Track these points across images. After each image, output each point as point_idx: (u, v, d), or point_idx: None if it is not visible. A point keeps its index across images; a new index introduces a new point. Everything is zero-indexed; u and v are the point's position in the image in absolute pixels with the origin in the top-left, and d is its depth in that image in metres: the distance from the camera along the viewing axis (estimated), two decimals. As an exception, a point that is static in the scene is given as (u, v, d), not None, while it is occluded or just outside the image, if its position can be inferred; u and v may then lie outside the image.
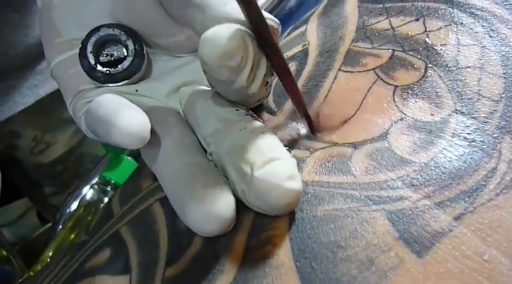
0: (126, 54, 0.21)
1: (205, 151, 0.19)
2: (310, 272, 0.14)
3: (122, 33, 0.20)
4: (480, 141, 0.17)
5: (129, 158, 0.46)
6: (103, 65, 0.20)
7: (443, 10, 0.22)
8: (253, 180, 0.15)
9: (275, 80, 0.20)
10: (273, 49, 0.17)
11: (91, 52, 0.20)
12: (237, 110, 0.18)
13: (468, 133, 0.17)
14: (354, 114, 0.20)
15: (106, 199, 0.43)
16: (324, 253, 0.14)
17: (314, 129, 0.21)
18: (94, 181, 0.45)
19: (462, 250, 0.14)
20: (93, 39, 0.20)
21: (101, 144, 0.44)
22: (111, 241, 0.19)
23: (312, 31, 0.25)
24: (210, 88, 0.21)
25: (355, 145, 0.18)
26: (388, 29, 0.22)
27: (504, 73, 0.18)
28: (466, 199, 0.15)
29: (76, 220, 0.44)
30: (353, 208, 0.15)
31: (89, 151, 0.52)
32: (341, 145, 0.18)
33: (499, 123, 0.17)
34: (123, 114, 0.17)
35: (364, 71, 0.21)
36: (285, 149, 0.17)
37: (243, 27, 0.16)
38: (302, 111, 0.20)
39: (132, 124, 0.16)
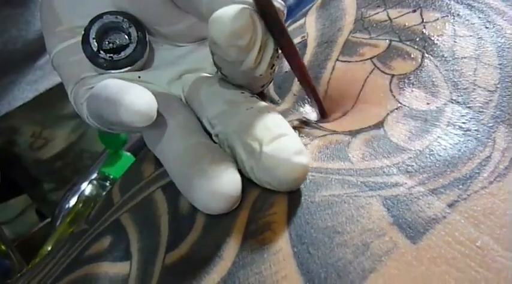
0: (128, 41, 0.21)
1: (210, 135, 0.19)
2: (308, 258, 0.14)
3: (125, 20, 0.21)
4: (475, 130, 0.17)
5: (128, 154, 0.46)
6: (106, 51, 0.21)
7: (440, 2, 0.22)
8: (261, 156, 0.16)
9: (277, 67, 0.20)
10: (280, 30, 0.17)
11: (94, 38, 0.21)
12: (242, 92, 0.19)
13: (463, 122, 0.18)
14: (352, 106, 0.21)
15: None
16: (321, 239, 0.15)
17: (324, 111, 0.21)
18: (93, 177, 0.45)
19: (455, 236, 0.14)
20: (96, 26, 0.21)
21: (100, 139, 0.44)
22: (112, 229, 0.20)
23: (310, 23, 0.26)
24: (213, 75, 0.21)
25: (352, 133, 0.19)
26: (386, 20, 0.23)
27: (500, 64, 0.19)
28: (460, 186, 0.16)
29: (75, 215, 0.44)
30: (350, 194, 0.16)
31: (88, 147, 0.53)
32: (339, 133, 0.19)
33: (494, 112, 0.18)
34: (130, 93, 0.17)
35: (362, 61, 0.22)
36: (291, 127, 0.17)
37: (251, 8, 0.16)
38: (311, 92, 0.20)
39: (139, 103, 0.17)
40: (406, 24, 0.22)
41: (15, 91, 0.46)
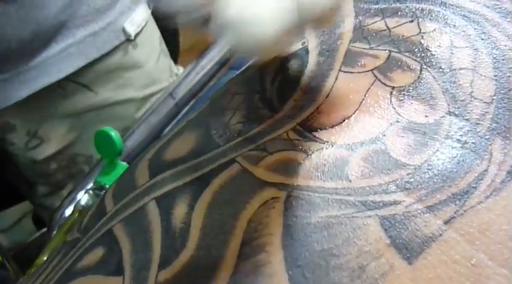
0: None
1: None
2: (302, 281, 0.15)
3: None
4: (472, 142, 0.17)
5: (124, 163, 0.47)
6: None
7: (436, 12, 0.22)
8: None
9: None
10: None
11: None
12: None
13: (461, 135, 0.18)
14: (353, 114, 0.21)
15: (101, 204, 0.43)
16: (316, 262, 0.15)
17: None
18: (89, 187, 0.45)
19: (451, 255, 0.15)
20: None
21: (96, 149, 0.44)
22: (104, 240, 0.20)
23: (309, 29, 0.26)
24: None
25: (351, 147, 0.19)
26: (385, 30, 0.23)
27: (495, 76, 0.19)
28: (457, 202, 0.16)
29: (71, 225, 0.44)
30: (347, 215, 0.16)
31: (83, 150, 0.53)
32: (338, 147, 0.19)
33: (490, 125, 0.18)
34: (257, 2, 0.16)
35: (363, 72, 0.22)
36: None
37: None
38: None
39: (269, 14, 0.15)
40: (405, 34, 0.22)
41: (8, 89, 0.47)
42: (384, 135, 0.19)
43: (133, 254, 0.18)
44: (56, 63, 0.47)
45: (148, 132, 0.45)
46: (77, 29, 0.47)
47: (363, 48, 0.23)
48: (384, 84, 0.21)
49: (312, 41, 0.25)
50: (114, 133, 0.39)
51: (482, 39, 0.20)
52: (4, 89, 0.46)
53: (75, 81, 0.49)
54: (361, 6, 0.25)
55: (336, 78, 0.22)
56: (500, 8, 0.21)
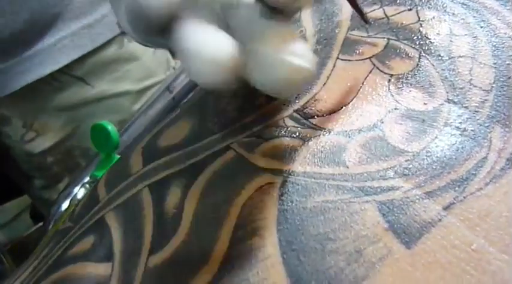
0: None
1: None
2: (297, 265, 0.14)
3: None
4: (471, 130, 0.17)
5: (121, 157, 0.46)
6: None
7: (435, 0, 0.22)
8: (258, 53, 0.15)
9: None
10: None
11: None
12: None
13: (460, 123, 0.17)
14: (351, 101, 0.20)
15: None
16: (312, 246, 0.14)
17: (362, 13, 0.21)
18: (85, 181, 0.45)
19: (450, 240, 0.14)
20: None
21: (92, 143, 0.44)
22: (96, 228, 0.19)
23: (306, 17, 0.25)
24: None
25: (349, 134, 0.18)
26: (383, 18, 0.23)
27: (494, 64, 0.19)
28: (456, 188, 0.15)
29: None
30: (344, 200, 0.16)
31: (80, 143, 0.52)
32: (335, 134, 0.19)
33: (490, 112, 0.17)
34: (209, 44, 0.16)
35: (361, 60, 0.21)
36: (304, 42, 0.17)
37: None
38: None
39: (218, 54, 0.15)
40: (403, 22, 0.22)
41: (2, 80, 0.46)
42: (382, 122, 0.18)
43: (124, 241, 0.18)
44: (50, 54, 0.46)
45: (145, 125, 0.44)
46: (72, 21, 0.47)
47: (361, 36, 0.22)
48: (382, 71, 0.20)
49: (309, 29, 0.24)
50: (110, 127, 0.38)
51: (481, 27, 0.20)
52: None
53: (71, 74, 0.49)
54: (360, -5, 0.25)
55: (334, 66, 0.22)
56: (501, -5, 0.20)
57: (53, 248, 0.21)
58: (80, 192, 0.44)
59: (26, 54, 0.45)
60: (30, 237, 0.56)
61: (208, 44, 0.16)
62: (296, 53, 0.15)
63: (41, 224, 0.51)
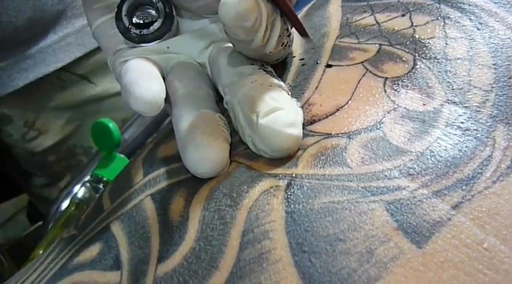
0: (157, 15, 0.21)
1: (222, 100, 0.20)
2: (309, 267, 0.13)
3: None
4: (474, 129, 0.16)
5: (122, 156, 0.44)
6: (136, 26, 0.21)
7: (429, 5, 0.21)
8: (258, 126, 0.17)
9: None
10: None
11: (125, 15, 0.21)
12: (252, 64, 0.20)
13: (461, 122, 0.16)
14: (346, 103, 0.19)
15: (98, 197, 0.41)
16: (322, 247, 0.13)
17: (303, 28, 0.20)
18: (86, 179, 0.42)
19: (461, 239, 0.13)
20: (127, 3, 0.21)
21: (93, 141, 0.42)
22: (101, 236, 0.18)
23: (295, 32, 0.24)
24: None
25: (349, 135, 0.17)
26: (374, 25, 0.22)
27: (494, 64, 0.18)
28: (463, 187, 0.14)
29: (67, 218, 0.42)
30: (351, 200, 0.14)
31: (81, 142, 0.50)
32: (334, 136, 0.17)
33: (492, 112, 0.16)
34: (140, 85, 0.18)
35: (353, 65, 0.20)
36: (290, 100, 0.18)
37: None
38: (287, 11, 0.20)
39: (147, 94, 0.18)
40: (395, 28, 0.21)
41: (4, 78, 0.43)
42: (382, 123, 0.17)
43: (131, 250, 0.16)
44: (54, 52, 0.44)
45: (146, 124, 0.42)
46: (76, 18, 0.45)
47: (351, 43, 0.21)
48: (376, 75, 0.19)
49: (296, 42, 0.23)
50: (112, 125, 0.36)
51: (478, 29, 0.19)
52: (1, 77, 0.43)
53: (74, 72, 0.46)
54: (349, 5, 0.24)
55: (324, 71, 0.21)
56: (498, -3, 0.20)
57: (58, 255, 0.19)
58: (80, 191, 0.42)
59: (29, 52, 0.43)
60: (29, 237, 0.53)
61: (139, 85, 0.18)
62: (289, 122, 0.16)
63: (39, 224, 0.49)
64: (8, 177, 0.53)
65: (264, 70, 0.20)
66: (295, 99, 0.18)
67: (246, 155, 0.18)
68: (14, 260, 0.45)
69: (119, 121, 0.40)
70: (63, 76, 0.46)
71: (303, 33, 0.20)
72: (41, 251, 0.39)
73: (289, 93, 0.19)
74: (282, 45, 0.19)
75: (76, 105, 0.48)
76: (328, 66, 0.21)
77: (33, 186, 0.52)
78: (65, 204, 0.42)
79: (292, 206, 0.15)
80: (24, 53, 0.43)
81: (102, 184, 0.42)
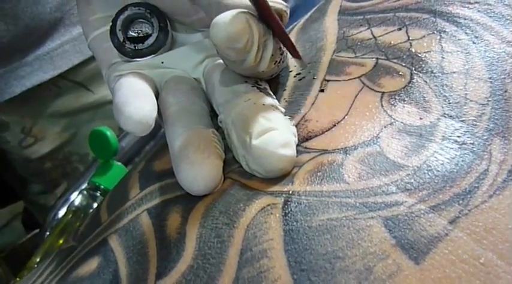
0: (151, 30, 0.21)
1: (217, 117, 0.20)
2: (308, 284, 0.13)
3: (147, 11, 0.21)
4: (470, 143, 0.16)
5: (119, 164, 0.43)
6: (131, 40, 0.21)
7: (425, 20, 0.21)
8: (251, 147, 0.16)
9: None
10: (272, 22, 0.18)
11: (120, 29, 0.21)
12: (245, 82, 0.20)
13: (458, 136, 0.16)
14: (343, 119, 0.19)
15: (95, 205, 0.40)
16: (321, 265, 0.13)
17: (296, 50, 0.20)
18: (83, 187, 0.42)
19: (458, 254, 0.13)
20: (121, 17, 0.21)
21: (90, 149, 0.41)
22: (100, 250, 0.18)
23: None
24: None
25: (346, 151, 0.17)
26: (370, 39, 0.22)
27: (490, 78, 0.18)
28: (460, 201, 0.14)
29: (64, 226, 0.41)
30: (348, 217, 0.14)
31: (78, 149, 0.50)
32: (331, 152, 0.17)
33: (488, 125, 0.16)
34: (131, 104, 0.18)
35: (350, 80, 0.20)
36: (283, 119, 0.17)
37: (247, 11, 0.17)
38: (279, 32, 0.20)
39: (137, 114, 0.17)
40: (392, 42, 0.21)
41: (1, 85, 0.43)
42: (379, 138, 0.17)
43: (129, 265, 0.16)
44: (51, 59, 0.44)
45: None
46: (73, 26, 0.44)
47: (348, 57, 0.21)
48: (373, 89, 0.19)
49: (291, 58, 0.23)
50: (109, 133, 0.36)
51: (474, 43, 0.19)
52: None
53: (71, 79, 0.46)
54: (345, 18, 0.24)
55: (321, 87, 0.21)
56: (493, 12, 0.20)
57: (57, 267, 0.20)
58: (77, 198, 0.42)
59: (26, 59, 0.43)
60: (25, 245, 0.52)
61: (130, 105, 0.18)
62: (282, 142, 0.16)
63: (36, 231, 0.48)
64: (4, 184, 0.53)
65: (258, 87, 0.19)
66: (288, 118, 0.18)
67: (241, 173, 0.18)
68: (10, 268, 0.44)
69: (116, 128, 0.40)
70: (61, 84, 0.46)
71: (295, 54, 0.20)
72: (37, 259, 0.39)
73: (283, 111, 0.19)
74: (275, 64, 0.19)
75: (73, 112, 0.48)
76: (325, 81, 0.21)
77: (29, 192, 0.51)
78: (62, 212, 0.42)
79: (290, 224, 0.15)
80: (21, 60, 0.43)
81: (99, 192, 0.42)
